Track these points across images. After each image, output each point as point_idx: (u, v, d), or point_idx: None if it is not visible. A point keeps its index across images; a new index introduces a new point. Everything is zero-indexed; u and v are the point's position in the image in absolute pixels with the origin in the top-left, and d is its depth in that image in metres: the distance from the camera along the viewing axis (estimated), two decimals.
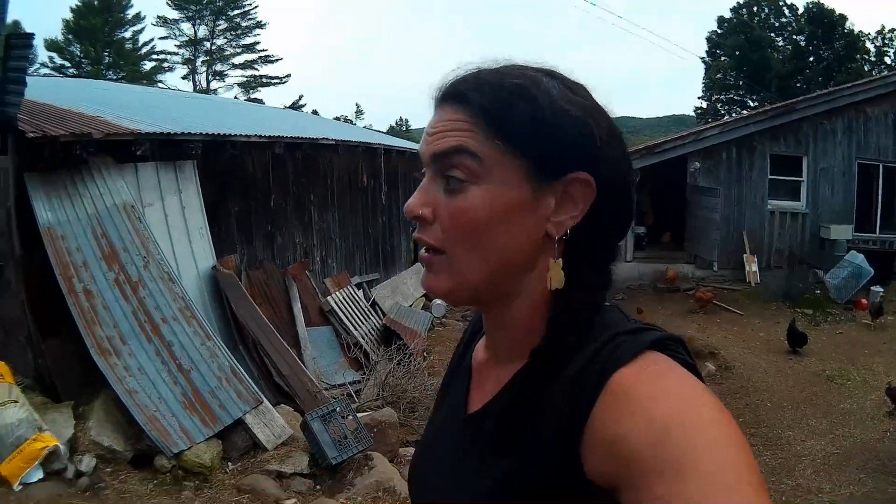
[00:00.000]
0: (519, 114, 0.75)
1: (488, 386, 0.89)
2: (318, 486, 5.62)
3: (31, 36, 5.23)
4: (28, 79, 5.37)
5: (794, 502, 4.94)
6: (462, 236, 0.78)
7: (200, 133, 6.90)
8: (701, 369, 4.90)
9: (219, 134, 7.13)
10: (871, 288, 10.98)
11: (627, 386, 0.67)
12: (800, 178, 13.10)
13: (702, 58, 39.22)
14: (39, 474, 4.52)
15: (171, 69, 44.83)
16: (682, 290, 11.52)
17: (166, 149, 6.65)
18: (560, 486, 0.70)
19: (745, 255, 12.53)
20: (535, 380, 0.77)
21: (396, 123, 72.56)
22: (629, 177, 0.83)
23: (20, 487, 4.37)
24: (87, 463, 4.83)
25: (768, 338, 9.21)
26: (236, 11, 43.97)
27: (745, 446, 0.61)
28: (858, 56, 34.51)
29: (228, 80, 45.64)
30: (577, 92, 0.80)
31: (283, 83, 46.30)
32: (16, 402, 4.64)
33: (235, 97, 41.66)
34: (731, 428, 0.62)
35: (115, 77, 37.28)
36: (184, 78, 45.55)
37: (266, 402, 6.24)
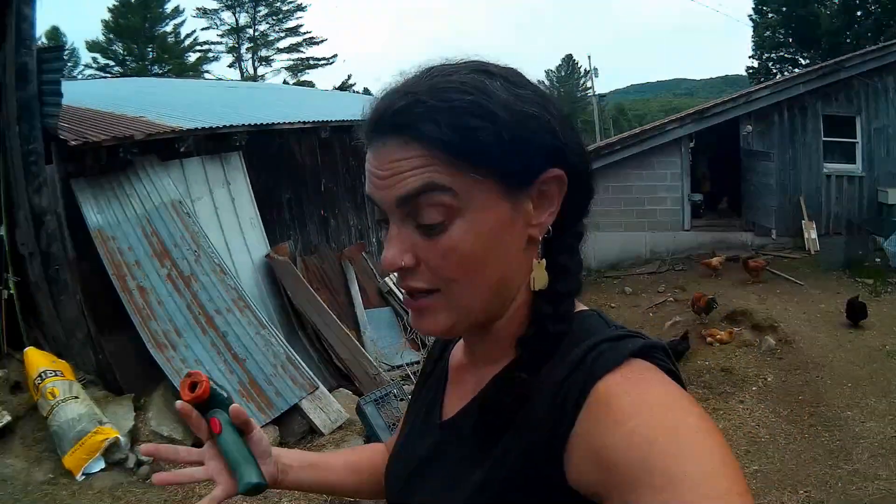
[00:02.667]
0: (483, 137, 0.69)
1: (466, 389, 0.87)
2: None
3: (61, 48, 5.40)
4: (71, 83, 5.58)
5: (849, 490, 4.63)
6: (457, 273, 0.73)
7: (244, 125, 7.00)
8: (762, 343, 4.63)
9: (262, 124, 7.22)
10: None
11: (612, 395, 0.66)
12: (854, 140, 12.24)
13: (749, 15, 36.94)
14: (101, 465, 4.76)
15: (216, 59, 45.24)
16: (740, 260, 10.79)
17: (211, 142, 6.79)
18: (542, 494, 0.69)
19: (803, 222, 11.86)
20: (522, 369, 0.75)
21: None
22: (587, 157, 0.80)
23: (83, 478, 4.61)
24: None
25: (828, 309, 8.62)
26: None
27: (730, 454, 0.61)
28: None
29: (275, 65, 45.24)
30: (521, 86, 0.74)
31: (330, 64, 45.19)
32: (76, 397, 4.89)
33: (284, 81, 41.18)
34: (716, 436, 0.62)
35: (160, 71, 37.79)
36: (230, 66, 45.52)
37: (322, 387, 6.36)
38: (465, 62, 0.76)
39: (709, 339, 7.25)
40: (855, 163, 12.26)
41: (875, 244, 11.21)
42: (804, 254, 11.46)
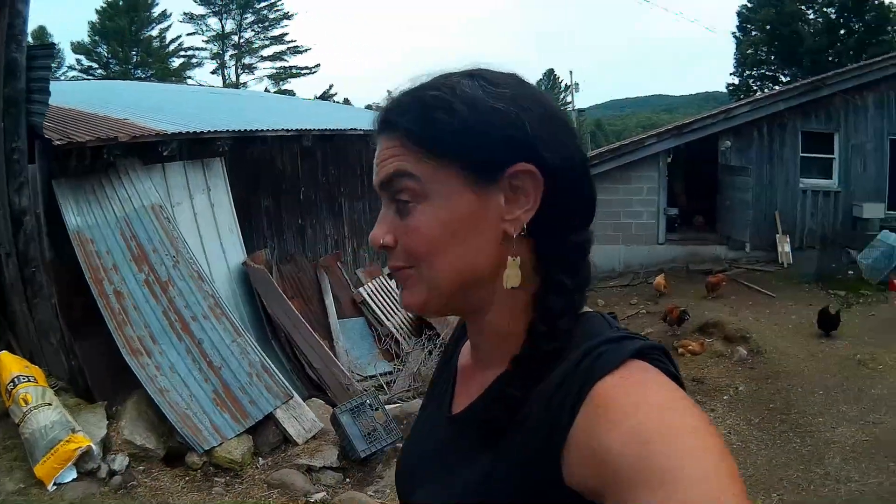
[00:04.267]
0: (440, 124, 0.76)
1: (472, 388, 0.89)
2: (347, 479, 5.69)
3: (52, 46, 5.33)
4: (56, 84, 5.49)
5: (822, 492, 4.82)
6: (422, 252, 0.78)
7: (227, 130, 6.96)
8: (733, 354, 4.79)
9: (246, 130, 7.18)
10: None
11: (610, 396, 0.67)
12: (831, 156, 12.66)
13: (732, 32, 37.77)
14: (73, 474, 4.68)
15: (199, 64, 44.78)
16: (714, 273, 11.13)
17: (194, 147, 6.73)
18: (539, 493, 0.70)
19: (777, 236, 12.19)
20: (515, 386, 0.76)
21: None
22: (578, 159, 0.81)
23: (54, 487, 4.52)
24: (119, 462, 4.97)
25: (800, 320, 8.92)
26: (263, 4, 43.69)
27: (726, 454, 0.61)
28: (890, 28, 32.54)
29: (258, 73, 45.53)
30: (501, 85, 0.79)
31: (313, 73, 46.37)
32: (49, 404, 4.80)
33: (266, 89, 41.30)
34: (713, 436, 0.62)
35: (143, 75, 37.60)
36: (213, 73, 45.94)
37: (296, 396, 6.33)
38: (464, 69, 0.82)
39: (681, 350, 7.43)
40: (831, 178, 12.65)
41: (849, 257, 11.53)
42: (777, 267, 11.79)
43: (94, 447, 4.83)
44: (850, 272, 11.17)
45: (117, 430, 5.22)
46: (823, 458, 5.29)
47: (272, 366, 6.37)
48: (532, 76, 0.85)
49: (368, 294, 8.72)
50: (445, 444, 0.88)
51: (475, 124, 0.75)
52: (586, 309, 0.83)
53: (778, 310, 9.49)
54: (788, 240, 12.11)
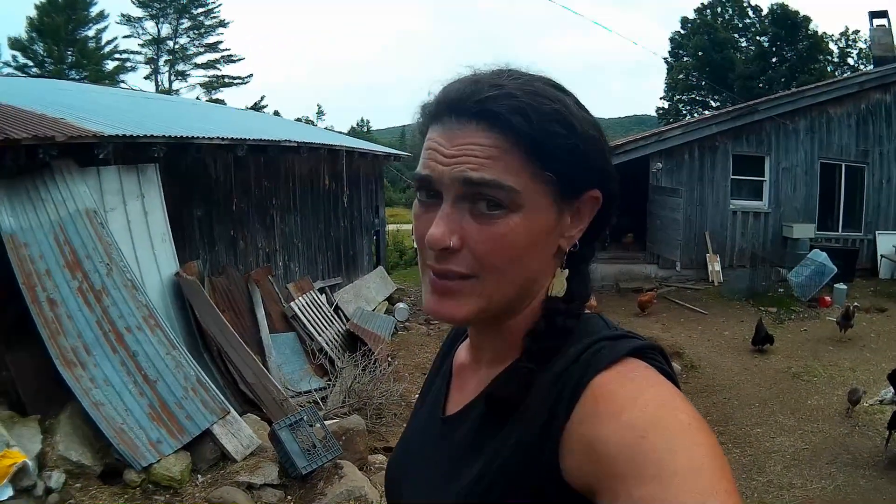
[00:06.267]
0: (561, 143, 0.75)
1: (469, 388, 0.90)
2: (288, 497, 5.57)
3: None
4: None
5: (766, 499, 4.97)
6: (500, 263, 0.76)
7: (163, 135, 6.70)
8: None
9: (182, 136, 6.94)
10: (835, 286, 11.15)
11: (606, 391, 0.68)
12: (762, 178, 13.22)
13: (664, 58, 39.48)
14: (9, 492, 4.36)
15: (133, 69, 43.52)
16: (645, 291, 11.40)
17: (129, 152, 6.46)
18: (537, 488, 0.71)
19: (707, 255, 12.65)
20: (522, 371, 0.77)
21: (357, 124, 72.45)
22: (618, 187, 0.85)
23: None
24: (56, 479, 4.68)
25: (733, 336, 9.21)
26: (200, 10, 43.05)
27: (719, 452, 0.63)
28: (821, 57, 34.67)
29: (191, 81, 44.83)
30: (584, 109, 0.81)
31: (245, 83, 46.07)
32: None
33: (197, 97, 40.78)
34: (706, 434, 0.64)
35: (77, 77, 36.03)
36: (146, 78, 44.49)
37: (233, 411, 6.15)
38: (537, 74, 0.81)
39: None
40: (762, 199, 13.19)
41: (778, 276, 12.05)
42: (708, 285, 12.20)
43: (29, 463, 4.52)
44: (781, 290, 11.64)
45: (52, 445, 4.90)
46: (765, 467, 5.48)
47: (208, 380, 6.16)
48: None
49: (299, 308, 8.58)
50: (438, 446, 0.89)
51: (583, 148, 0.77)
52: (586, 311, 0.86)
53: (710, 326, 9.75)
54: (718, 259, 12.59)
